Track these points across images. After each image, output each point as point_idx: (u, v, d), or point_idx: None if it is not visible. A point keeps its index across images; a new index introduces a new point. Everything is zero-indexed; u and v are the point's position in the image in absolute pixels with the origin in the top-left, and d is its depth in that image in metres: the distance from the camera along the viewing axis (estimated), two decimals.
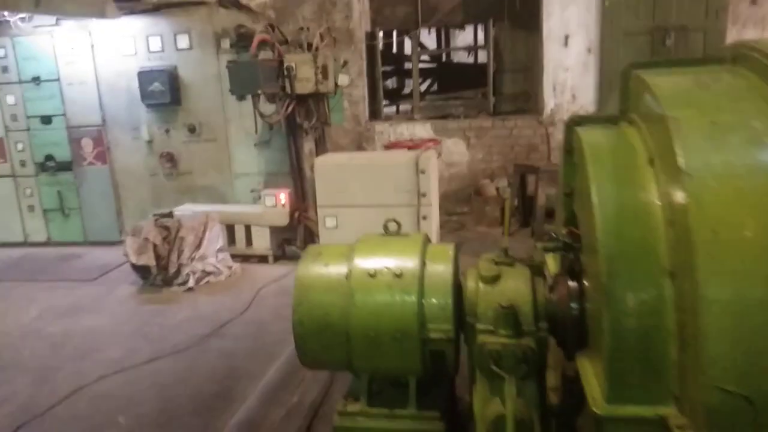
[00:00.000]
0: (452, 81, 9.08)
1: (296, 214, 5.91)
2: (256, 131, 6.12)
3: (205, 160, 6.52)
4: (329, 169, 5.47)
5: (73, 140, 6.69)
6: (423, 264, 2.27)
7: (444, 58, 10.44)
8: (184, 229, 5.30)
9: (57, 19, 6.39)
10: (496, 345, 2.07)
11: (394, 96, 9.91)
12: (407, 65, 10.55)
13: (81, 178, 6.78)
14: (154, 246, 5.20)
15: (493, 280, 2.21)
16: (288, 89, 5.72)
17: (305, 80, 5.73)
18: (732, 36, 6.74)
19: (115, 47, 6.41)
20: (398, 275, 2.22)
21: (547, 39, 7.16)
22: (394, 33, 9.25)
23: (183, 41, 6.27)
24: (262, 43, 5.66)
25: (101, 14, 5.81)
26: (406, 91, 10.54)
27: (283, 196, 5.79)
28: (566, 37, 7.12)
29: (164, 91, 6.27)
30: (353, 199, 5.43)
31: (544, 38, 7.16)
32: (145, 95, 6.32)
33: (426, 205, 5.30)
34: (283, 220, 5.84)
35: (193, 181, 6.60)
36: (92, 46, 6.45)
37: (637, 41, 6.92)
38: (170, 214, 5.46)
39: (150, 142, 6.56)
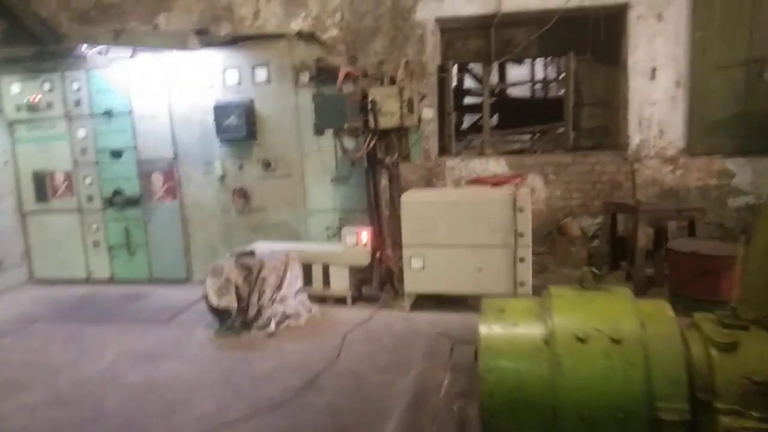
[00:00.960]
0: (514, 116, 8.77)
1: (377, 254, 5.57)
2: (336, 167, 5.86)
3: (279, 196, 6.26)
4: (416, 207, 5.15)
5: (143, 174, 6.52)
6: (643, 327, 1.89)
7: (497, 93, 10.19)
8: (266, 269, 5.00)
9: (133, 51, 6.29)
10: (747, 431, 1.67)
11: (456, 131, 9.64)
12: (465, 100, 10.35)
13: (149, 214, 6.58)
14: (236, 287, 4.90)
15: (731, 347, 1.82)
16: (372, 123, 5.47)
17: (389, 114, 5.46)
18: None
19: (191, 80, 6.27)
20: (616, 341, 1.84)
21: (633, 72, 6.83)
22: (454, 68, 9.03)
23: (261, 74, 6.09)
24: (346, 77, 5.44)
25: (183, 46, 5.67)
26: (464, 126, 10.29)
27: (365, 235, 5.47)
28: (653, 70, 6.78)
29: (240, 125, 6.07)
30: (442, 239, 5.09)
31: (629, 71, 6.83)
32: (220, 129, 6.13)
33: (523, 246, 4.93)
34: (364, 259, 5.50)
35: (266, 217, 6.33)
36: (167, 78, 6.32)
37: (730, 74, 6.55)
38: (251, 253, 5.17)
39: (223, 177, 6.34)
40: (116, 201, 6.57)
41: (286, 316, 5.09)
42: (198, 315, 5.47)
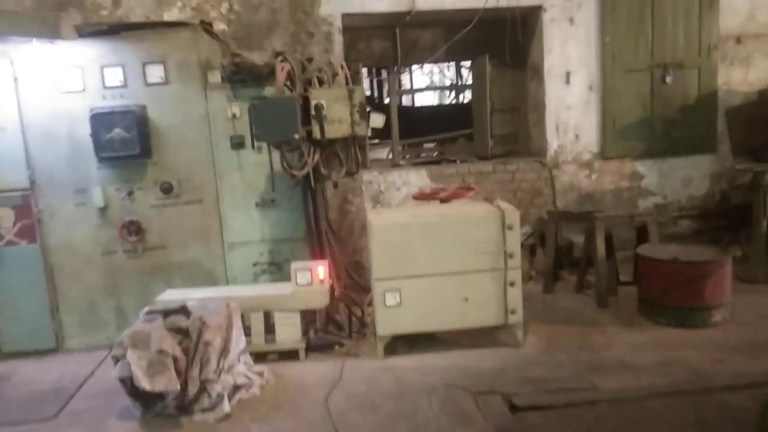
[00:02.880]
0: (421, 124, 8.27)
1: (335, 292, 4.59)
2: (273, 188, 4.73)
3: (185, 228, 4.91)
4: (389, 231, 4.29)
5: None
6: None
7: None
8: (210, 331, 3.75)
9: None
10: None
11: None
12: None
13: None
14: (174, 360, 3.59)
15: None
16: (316, 133, 4.49)
17: (338, 122, 4.54)
18: (722, 73, 6.81)
19: (52, 81, 4.65)
20: None
21: (548, 76, 6.68)
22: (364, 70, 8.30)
23: (155, 73, 4.71)
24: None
25: (52, 35, 4.09)
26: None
27: (322, 270, 4.45)
28: (567, 74, 6.70)
29: (129, 139, 4.62)
30: (421, 267, 4.32)
31: (544, 75, 6.68)
32: (101, 145, 4.62)
33: (513, 268, 4.35)
34: (321, 300, 4.47)
35: (167, 257, 4.93)
36: (15, 79, 4.61)
37: (637, 79, 6.70)
38: (182, 310, 3.85)
39: (104, 208, 4.80)
40: None
41: (236, 388, 3.89)
42: (99, 399, 4.01)
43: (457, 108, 8.75)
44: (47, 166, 4.73)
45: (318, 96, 4.47)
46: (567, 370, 4.02)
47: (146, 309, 3.98)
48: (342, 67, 4.72)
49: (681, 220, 6.99)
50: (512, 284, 4.34)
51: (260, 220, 4.97)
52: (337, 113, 4.51)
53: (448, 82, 9.63)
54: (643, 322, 4.80)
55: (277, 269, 5.00)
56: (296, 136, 4.22)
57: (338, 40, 6.41)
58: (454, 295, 4.34)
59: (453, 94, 9.38)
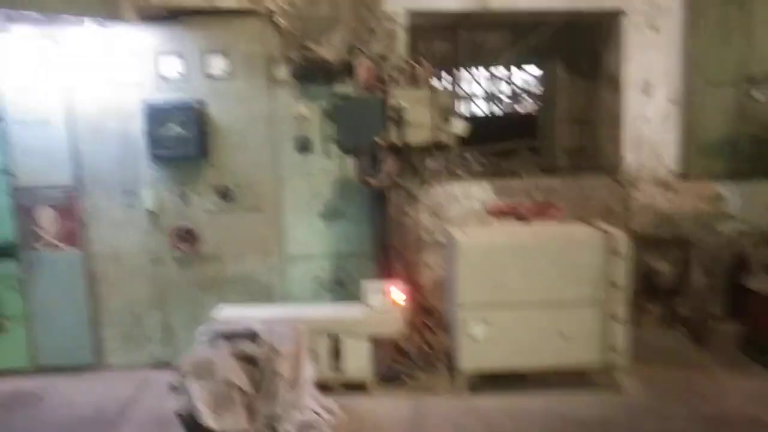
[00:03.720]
0: (475, 133, 7.74)
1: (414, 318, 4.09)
2: (343, 197, 4.24)
3: (242, 238, 4.43)
4: (479, 252, 3.79)
5: (22, 210, 4.26)
6: None
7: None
8: (281, 360, 3.26)
9: (4, 22, 4.06)
10: None
11: None
12: None
13: (32, 270, 4.32)
14: (241, 393, 3.11)
15: None
16: (395, 138, 4.01)
17: (419, 126, 4.05)
18: None
19: (103, 70, 4.20)
20: None
21: (626, 86, 6.16)
22: None
23: (217, 65, 4.26)
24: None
25: (112, 15, 3.64)
26: None
27: (398, 292, 3.95)
28: (647, 85, 6.18)
29: (185, 138, 4.17)
30: (512, 295, 3.80)
31: (622, 85, 6.16)
32: (154, 143, 4.17)
33: (618, 301, 3.83)
34: (397, 328, 3.97)
35: (221, 269, 4.46)
36: (65, 66, 4.17)
37: (722, 93, 6.16)
38: (251, 334, 3.36)
39: (155, 212, 4.34)
40: None
41: (305, 427, 3.39)
42: (147, 428, 3.53)
43: (515, 117, 8.23)
44: (94, 163, 4.29)
45: (398, 97, 3.99)
46: (683, 423, 3.48)
47: (204, 329, 3.50)
48: (423, 66, 4.23)
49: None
50: (616, 319, 3.82)
51: (324, 232, 4.48)
52: (418, 117, 4.03)
53: (501, 90, 9.14)
54: (750, 364, 4.25)
55: (340, 287, 4.52)
56: (379, 141, 3.73)
57: (402, 38, 5.91)
58: (548, 329, 3.82)
59: (503, 102, 8.91)
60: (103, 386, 4.17)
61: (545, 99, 6.85)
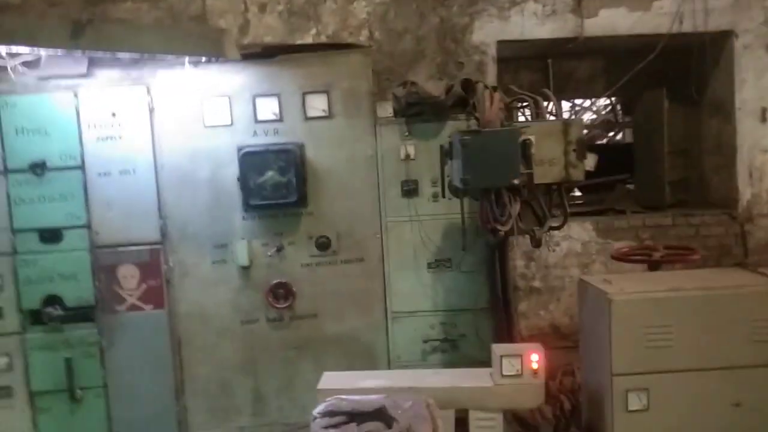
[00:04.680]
0: None
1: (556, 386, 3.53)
2: (464, 247, 3.74)
3: (341, 293, 3.96)
4: (636, 308, 3.23)
5: (102, 269, 3.86)
6: None
7: None
8: None
9: (88, 67, 3.76)
10: None
11: None
12: None
13: (112, 334, 3.90)
14: None
15: None
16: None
17: (548, 163, 3.56)
18: None
19: (194, 113, 3.85)
20: None
21: (740, 112, 5.61)
22: None
23: (318, 105, 3.87)
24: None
25: (216, 52, 3.29)
26: None
27: (536, 358, 3.39)
28: (764, 112, 5.61)
29: (284, 184, 3.75)
30: (676, 359, 3.21)
31: (735, 111, 5.61)
32: (250, 192, 3.76)
33: None
34: (534, 398, 3.40)
35: (318, 328, 3.98)
36: (152, 110, 3.83)
37: None
38: (381, 414, 2.83)
39: (248, 267, 3.91)
40: (49, 315, 3.82)
41: None
42: None
43: (607, 149, 7.66)
44: (182, 215, 3.89)
45: (526, 131, 3.51)
46: None
47: (323, 408, 2.99)
48: (549, 97, 3.77)
49: None
50: None
51: (433, 285, 3.99)
52: (548, 152, 3.53)
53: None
54: None
55: (452, 347, 4.00)
56: (516, 181, 3.24)
57: (492, 70, 5.51)
58: (721, 398, 3.21)
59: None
60: None
61: (642, 129, 6.32)
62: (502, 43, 5.51)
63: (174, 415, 3.95)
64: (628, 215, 5.77)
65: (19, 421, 3.88)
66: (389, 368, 3.95)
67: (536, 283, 5.67)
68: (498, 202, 3.47)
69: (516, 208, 3.59)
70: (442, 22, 5.42)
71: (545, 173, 3.57)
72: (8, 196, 3.80)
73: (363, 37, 5.47)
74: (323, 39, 5.37)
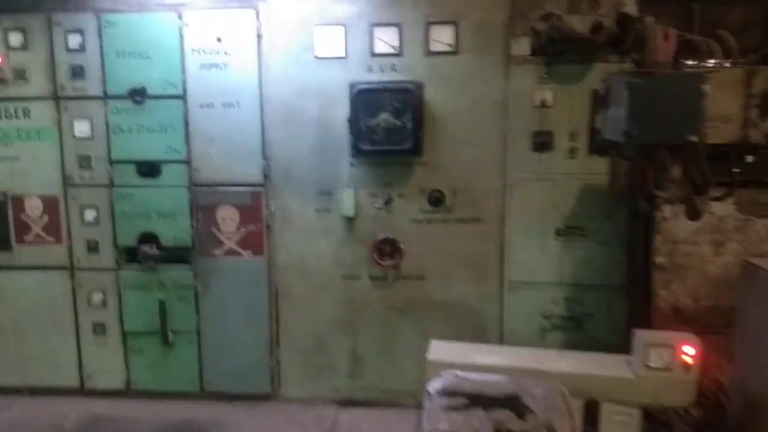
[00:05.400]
0: None
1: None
2: (608, 213, 3.23)
3: (452, 255, 3.54)
4: None
5: (200, 209, 3.61)
6: None
7: None
8: None
9: None
10: None
11: None
12: None
13: (207, 279, 3.67)
14: None
15: None
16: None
17: (721, 119, 2.94)
18: None
19: (304, 43, 3.44)
20: None
21: None
22: None
23: (442, 38, 3.36)
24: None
25: None
26: None
27: (692, 351, 2.88)
28: None
29: (399, 129, 3.31)
30: None
31: None
32: (360, 134, 3.35)
33: None
34: (683, 395, 2.91)
35: (424, 291, 3.60)
36: (259, 37, 3.45)
37: None
38: (512, 402, 2.44)
39: (353, 219, 3.55)
40: (144, 254, 3.62)
41: None
42: None
43: None
44: (286, 157, 3.54)
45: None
46: None
47: (441, 385, 2.62)
48: (726, 40, 3.11)
49: None
50: None
51: (559, 255, 3.49)
52: (722, 106, 2.91)
53: None
54: None
55: (575, 327, 3.52)
56: (694, 138, 2.66)
57: (631, 8, 4.75)
58: None
59: None
60: (285, 421, 3.45)
61: None
62: None
63: (267, 368, 3.71)
64: None
65: (112, 360, 3.77)
66: (501, 343, 3.53)
67: (659, 259, 5.05)
68: (657, 163, 2.91)
69: (677, 171, 3.03)
70: None
71: (716, 131, 2.96)
72: (107, 124, 3.57)
73: None
74: None
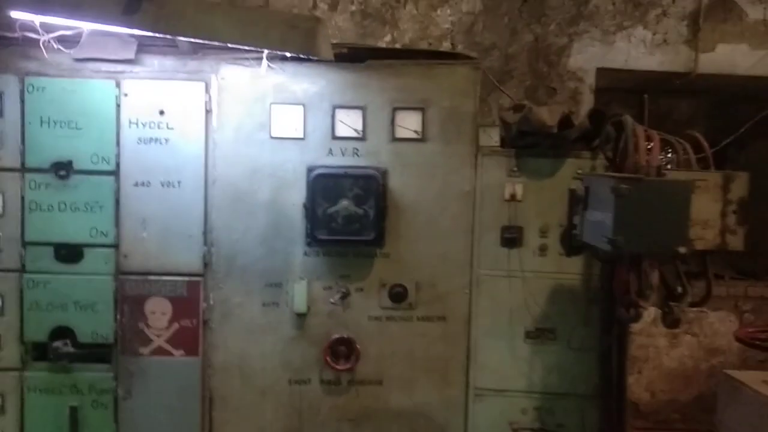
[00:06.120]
0: None
1: None
2: (584, 321, 3.00)
3: (414, 356, 3.21)
4: None
5: (128, 300, 3.13)
6: None
7: None
8: None
9: (137, 52, 3.06)
10: None
11: None
12: None
13: (131, 381, 3.15)
14: None
15: None
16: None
17: (700, 225, 2.82)
18: None
19: (259, 121, 3.13)
20: None
21: None
22: None
23: (408, 124, 3.14)
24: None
25: (306, 49, 2.57)
26: None
27: None
28: None
29: (360, 218, 3.02)
30: None
31: None
32: (318, 223, 3.03)
33: None
34: None
35: (381, 398, 3.22)
36: (208, 112, 3.12)
37: None
38: None
39: (303, 315, 3.17)
40: (56, 351, 3.08)
41: None
42: None
43: None
44: (231, 243, 3.16)
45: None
46: None
47: None
48: (699, 141, 3.04)
49: None
50: None
51: (529, 360, 3.22)
52: (701, 212, 2.80)
53: None
54: None
55: None
56: (682, 250, 2.49)
57: (587, 100, 4.80)
58: None
59: None
60: None
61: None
62: (602, 71, 4.80)
63: None
64: (726, 282, 4.99)
65: None
66: None
67: None
68: (640, 272, 2.73)
69: (656, 278, 2.86)
70: (537, 41, 4.74)
71: (698, 238, 2.83)
72: (22, 200, 3.09)
73: (445, 48, 4.79)
74: (397, 47, 4.70)
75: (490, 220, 3.18)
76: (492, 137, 3.19)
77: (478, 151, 3.18)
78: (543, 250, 3.17)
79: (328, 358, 3.15)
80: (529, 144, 3.15)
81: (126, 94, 3.07)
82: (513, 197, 3.16)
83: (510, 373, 3.22)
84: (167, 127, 3.09)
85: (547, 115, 3.18)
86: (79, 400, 3.13)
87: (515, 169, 3.17)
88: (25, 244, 3.10)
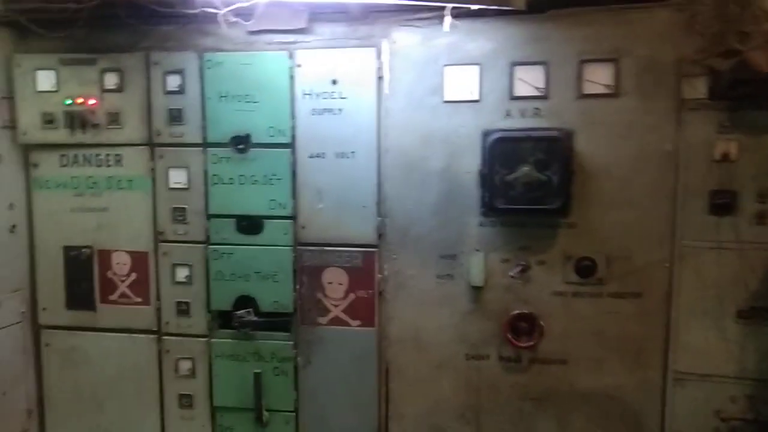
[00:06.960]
0: None
1: None
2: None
3: (603, 335, 2.94)
4: None
5: (306, 271, 3.15)
6: None
7: None
8: None
9: (308, 21, 3.01)
10: None
11: None
12: None
13: (310, 350, 3.20)
14: None
15: None
16: None
17: None
18: None
19: (429, 85, 2.96)
20: None
21: None
22: None
23: (599, 78, 2.82)
24: None
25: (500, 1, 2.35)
26: None
27: None
28: None
29: (543, 185, 2.78)
30: None
31: None
32: (496, 190, 2.83)
33: None
34: None
35: (566, 378, 2.99)
36: (380, 78, 3.01)
37: None
38: None
39: (480, 288, 3.00)
40: (240, 319, 3.19)
41: None
42: None
43: None
44: (405, 214, 3.05)
45: None
46: None
47: None
48: None
49: None
50: None
51: (741, 342, 2.82)
52: None
53: None
54: None
55: None
56: None
57: None
58: None
59: None
60: None
61: None
62: None
63: None
64: None
65: None
66: None
67: None
68: None
69: None
70: None
71: None
72: (205, 174, 3.19)
73: None
74: None
75: (696, 184, 2.79)
76: (698, 89, 2.77)
77: (681, 105, 2.78)
78: (761, 217, 2.74)
79: (508, 335, 2.97)
80: (745, 94, 2.70)
81: (299, 65, 3.03)
82: (725, 157, 2.74)
83: (717, 356, 2.84)
84: (340, 97, 3.02)
85: (762, 58, 2.72)
86: (262, 366, 3.22)
87: (727, 124, 2.75)
88: (209, 216, 3.21)
